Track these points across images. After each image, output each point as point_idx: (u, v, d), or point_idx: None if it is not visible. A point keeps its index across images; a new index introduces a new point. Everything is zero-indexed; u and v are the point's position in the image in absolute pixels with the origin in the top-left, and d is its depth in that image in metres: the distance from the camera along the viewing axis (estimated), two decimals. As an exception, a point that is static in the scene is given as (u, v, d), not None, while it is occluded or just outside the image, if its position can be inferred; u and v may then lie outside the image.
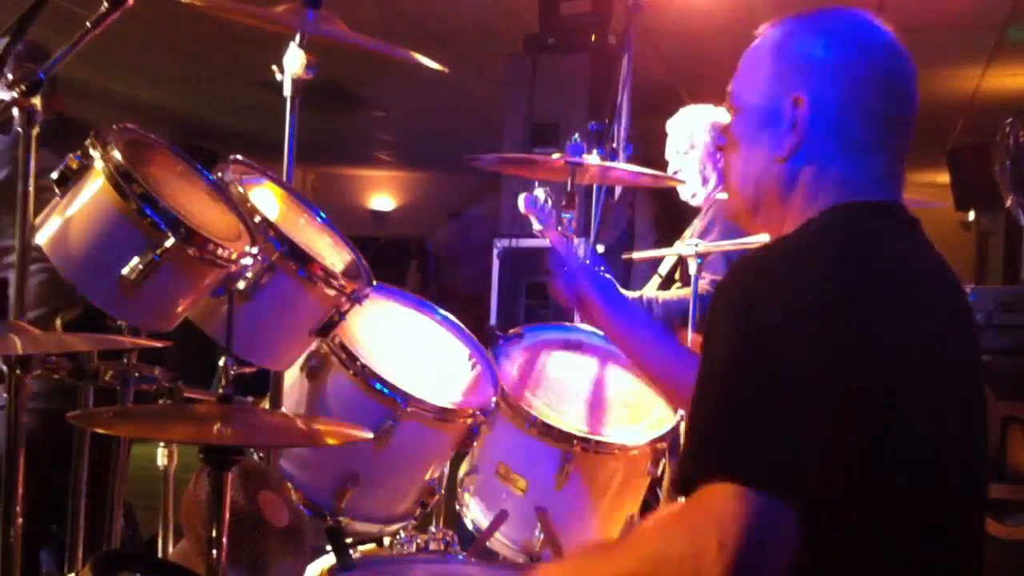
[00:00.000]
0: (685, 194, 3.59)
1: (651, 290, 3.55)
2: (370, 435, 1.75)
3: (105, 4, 1.72)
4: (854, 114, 1.39)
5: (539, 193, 2.99)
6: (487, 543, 2.28)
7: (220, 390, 1.59)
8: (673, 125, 3.62)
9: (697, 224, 3.50)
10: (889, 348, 1.25)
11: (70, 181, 1.72)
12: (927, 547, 1.30)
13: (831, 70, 1.39)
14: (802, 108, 1.40)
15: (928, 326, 1.33)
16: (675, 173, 3.55)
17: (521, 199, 3.02)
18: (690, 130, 3.57)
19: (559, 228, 2.94)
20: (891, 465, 1.25)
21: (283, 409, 2.14)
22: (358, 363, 2.09)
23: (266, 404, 2.18)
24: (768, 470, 1.15)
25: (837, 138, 1.40)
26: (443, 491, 2.37)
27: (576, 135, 2.90)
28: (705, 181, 3.55)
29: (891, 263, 1.34)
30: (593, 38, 5.33)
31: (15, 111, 1.67)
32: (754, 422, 1.18)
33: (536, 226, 3.04)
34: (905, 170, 1.46)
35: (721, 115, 2.74)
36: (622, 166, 3.20)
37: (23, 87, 1.65)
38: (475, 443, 2.30)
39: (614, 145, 3.89)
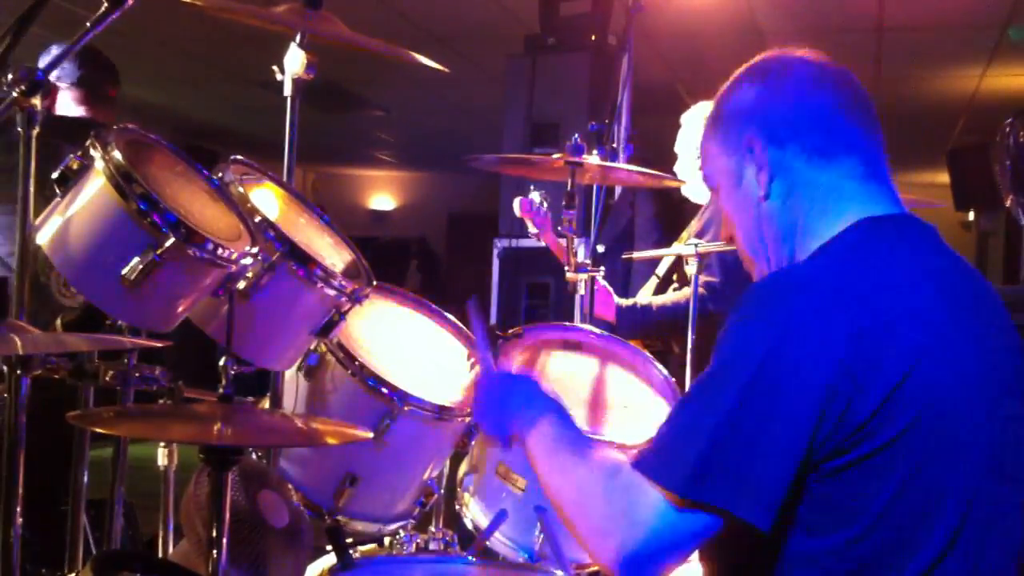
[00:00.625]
0: (689, 192, 3.57)
1: (645, 295, 3.54)
2: (369, 434, 1.75)
3: (105, 4, 1.72)
4: (803, 124, 1.44)
5: (534, 196, 3.00)
6: (487, 543, 2.28)
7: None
8: (687, 121, 3.58)
9: (694, 224, 3.50)
10: (896, 388, 1.25)
11: (70, 181, 1.72)
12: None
13: (761, 101, 1.46)
14: (756, 146, 1.45)
15: (943, 355, 1.31)
16: (683, 169, 3.54)
17: (517, 203, 3.02)
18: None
19: (558, 229, 2.94)
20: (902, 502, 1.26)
21: (282, 409, 2.15)
22: (356, 363, 2.09)
23: (266, 404, 2.18)
24: (745, 496, 1.21)
25: (801, 155, 1.44)
26: (443, 491, 2.37)
27: (576, 135, 2.90)
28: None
29: (900, 295, 1.32)
30: (593, 38, 5.33)
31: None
32: (712, 445, 1.23)
33: (532, 229, 3.05)
34: (892, 167, 1.48)
35: None
36: (622, 166, 3.21)
37: (23, 87, 1.65)
38: (474, 443, 2.30)
39: (614, 145, 3.89)
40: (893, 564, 1.27)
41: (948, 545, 1.28)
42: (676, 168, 3.54)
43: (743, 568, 1.36)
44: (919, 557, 1.27)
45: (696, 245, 2.98)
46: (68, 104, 3.20)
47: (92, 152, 1.70)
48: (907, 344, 1.26)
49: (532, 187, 3.02)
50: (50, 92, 2.99)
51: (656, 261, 3.65)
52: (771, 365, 1.23)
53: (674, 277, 3.50)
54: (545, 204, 2.98)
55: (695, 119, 3.52)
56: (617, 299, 3.34)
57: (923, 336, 1.28)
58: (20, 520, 1.69)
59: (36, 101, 1.66)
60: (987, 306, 1.43)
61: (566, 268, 2.94)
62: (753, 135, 1.46)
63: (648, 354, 2.71)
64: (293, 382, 2.17)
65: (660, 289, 3.53)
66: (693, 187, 3.53)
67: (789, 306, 1.27)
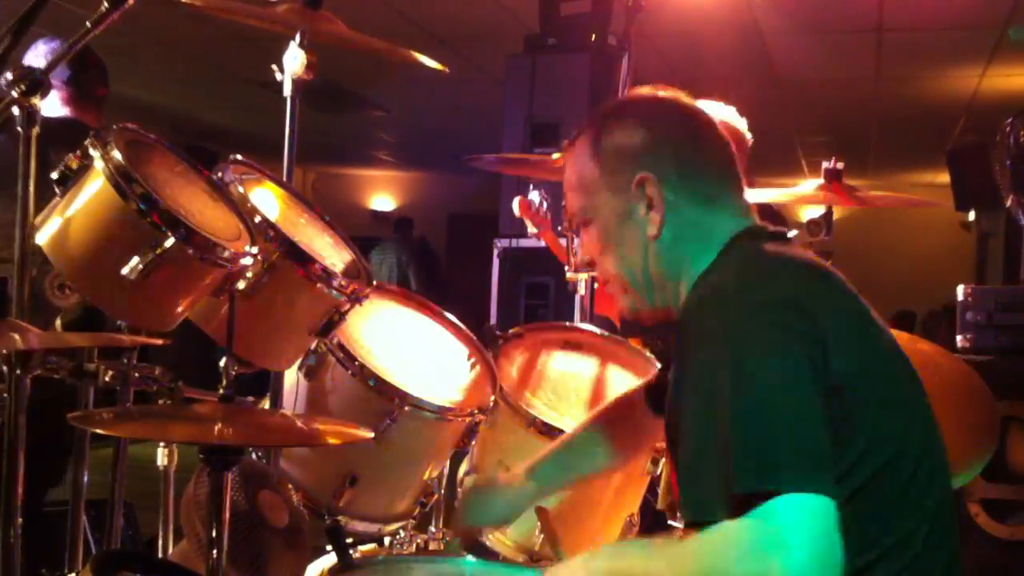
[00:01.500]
0: None
1: None
2: (370, 434, 1.75)
3: (105, 4, 1.72)
4: (692, 172, 1.50)
5: (534, 195, 2.99)
6: (487, 543, 2.28)
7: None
8: None
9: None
10: (850, 341, 1.34)
11: (70, 181, 1.72)
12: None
13: (654, 145, 1.50)
14: (650, 185, 1.48)
15: (870, 321, 1.43)
16: None
17: (516, 203, 3.02)
18: None
19: (558, 228, 2.94)
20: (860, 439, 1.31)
21: (282, 409, 2.14)
22: (356, 363, 2.09)
23: (266, 404, 2.18)
24: (810, 471, 1.20)
25: (690, 198, 1.49)
26: (443, 491, 2.37)
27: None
28: None
29: (808, 270, 1.42)
30: (593, 38, 5.32)
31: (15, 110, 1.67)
32: (783, 430, 1.22)
33: (532, 229, 3.05)
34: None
35: (731, 114, 2.72)
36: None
37: (23, 87, 1.64)
38: (475, 442, 2.30)
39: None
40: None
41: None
42: None
43: None
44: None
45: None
46: (54, 103, 3.11)
47: (92, 152, 1.70)
48: (841, 327, 1.34)
49: (532, 186, 3.02)
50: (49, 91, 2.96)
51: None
52: (758, 358, 1.27)
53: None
54: (545, 203, 2.98)
55: None
56: None
57: (847, 321, 1.37)
58: (20, 520, 1.69)
59: (36, 101, 1.66)
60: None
61: (566, 268, 2.94)
62: (645, 176, 1.48)
63: (648, 354, 2.71)
64: (293, 382, 2.17)
65: None
66: None
67: (755, 297, 1.33)
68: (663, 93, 1.57)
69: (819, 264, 1.45)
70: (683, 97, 1.57)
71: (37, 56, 3.00)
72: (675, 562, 1.26)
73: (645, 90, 1.58)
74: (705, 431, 1.29)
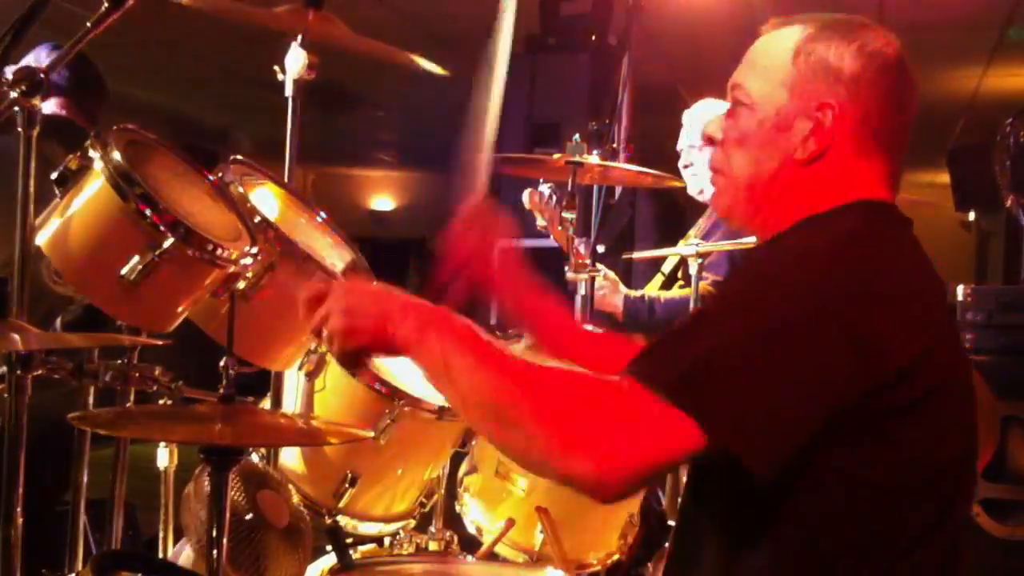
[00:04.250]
0: (692, 189, 3.54)
1: (653, 289, 3.54)
2: (370, 434, 1.75)
3: (105, 4, 1.72)
4: (872, 124, 1.41)
5: (544, 189, 2.99)
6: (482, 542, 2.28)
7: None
8: (689, 118, 3.55)
9: (702, 223, 3.48)
10: (913, 344, 1.28)
11: (70, 181, 1.72)
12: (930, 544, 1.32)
13: (857, 81, 1.39)
14: (827, 115, 1.39)
15: (940, 321, 1.39)
16: (686, 167, 3.51)
17: (526, 195, 3.01)
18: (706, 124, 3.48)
19: (560, 227, 2.94)
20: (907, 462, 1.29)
21: (283, 409, 2.14)
22: (358, 363, 2.09)
23: (266, 404, 2.18)
24: (700, 404, 1.18)
25: (855, 146, 1.40)
26: (443, 491, 2.37)
27: (576, 135, 2.90)
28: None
29: (911, 263, 1.38)
30: (593, 38, 5.33)
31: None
32: (726, 366, 1.20)
33: (541, 222, 3.04)
34: (904, 170, 1.48)
35: None
36: (622, 166, 3.20)
37: (23, 87, 1.64)
38: (475, 443, 2.30)
39: (614, 145, 3.88)
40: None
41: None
42: (679, 166, 3.53)
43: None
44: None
45: (697, 245, 2.98)
46: (50, 107, 3.02)
47: (91, 152, 1.70)
48: (927, 317, 1.32)
49: (542, 180, 3.02)
50: (50, 93, 2.92)
51: (659, 260, 3.64)
52: (805, 316, 1.23)
53: (679, 275, 3.49)
54: (554, 197, 2.98)
55: (696, 117, 3.51)
56: (625, 290, 3.33)
57: (938, 315, 1.36)
58: (21, 520, 1.69)
59: (36, 101, 1.66)
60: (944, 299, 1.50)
61: (566, 268, 2.93)
62: (833, 102, 1.39)
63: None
64: (294, 382, 2.17)
65: (665, 287, 3.53)
66: (696, 184, 3.51)
67: (814, 260, 1.29)
68: (894, 40, 1.46)
69: (925, 268, 1.41)
70: (904, 53, 1.46)
71: (39, 62, 2.99)
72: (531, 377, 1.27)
73: (880, 28, 1.47)
74: (687, 323, 1.31)
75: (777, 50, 1.46)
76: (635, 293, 3.36)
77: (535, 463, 1.28)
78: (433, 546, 2.29)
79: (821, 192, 1.42)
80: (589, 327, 2.73)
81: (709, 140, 1.58)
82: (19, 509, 1.68)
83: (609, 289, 3.30)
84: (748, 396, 1.20)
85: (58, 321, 2.60)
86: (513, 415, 1.24)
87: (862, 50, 1.41)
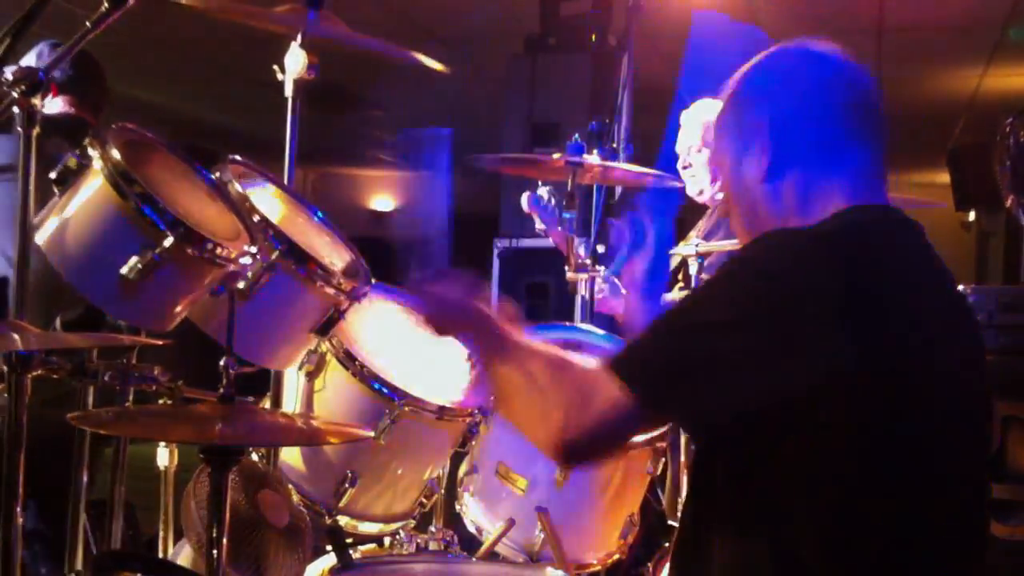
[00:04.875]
0: (692, 190, 3.54)
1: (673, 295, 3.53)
2: (370, 434, 1.75)
3: (105, 4, 1.72)
4: (810, 124, 1.48)
5: (543, 192, 2.99)
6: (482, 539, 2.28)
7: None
8: (688, 119, 3.55)
9: (703, 224, 3.48)
10: (887, 346, 1.31)
11: (69, 181, 1.71)
12: (914, 547, 1.33)
13: (778, 86, 1.51)
14: (763, 131, 1.49)
15: (930, 327, 1.39)
16: (685, 168, 3.51)
17: (525, 198, 3.02)
18: (705, 126, 3.47)
19: (560, 227, 2.94)
20: (879, 456, 1.31)
21: (283, 409, 2.14)
22: (357, 363, 2.09)
23: (266, 404, 2.18)
24: (647, 391, 1.34)
25: (803, 150, 1.48)
26: (443, 491, 2.37)
27: (576, 135, 2.90)
28: (715, 179, 3.47)
29: (895, 264, 1.41)
30: (593, 38, 5.33)
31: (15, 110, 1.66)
32: (676, 353, 1.36)
33: (539, 225, 3.04)
34: (890, 169, 1.51)
35: None
36: (622, 166, 3.20)
37: (23, 87, 1.64)
38: (475, 443, 2.30)
39: (614, 145, 3.88)
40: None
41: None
42: (678, 167, 3.53)
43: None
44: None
45: (696, 245, 2.98)
46: (55, 105, 3.01)
47: (90, 152, 1.70)
48: (912, 309, 1.35)
49: (540, 183, 3.02)
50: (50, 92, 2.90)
51: (659, 261, 3.64)
52: (772, 304, 1.31)
53: (679, 276, 3.49)
54: (553, 200, 2.98)
55: (695, 118, 3.51)
56: (624, 293, 3.33)
57: (926, 304, 1.38)
58: (20, 520, 1.69)
59: (36, 101, 1.66)
60: (959, 305, 1.52)
61: (566, 268, 2.93)
62: (761, 120, 1.49)
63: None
64: (294, 382, 2.17)
65: (666, 288, 3.52)
66: (695, 185, 3.51)
67: (792, 253, 1.35)
68: (809, 43, 1.54)
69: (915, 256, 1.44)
70: (832, 49, 1.52)
71: (41, 59, 2.98)
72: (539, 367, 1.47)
73: (794, 40, 1.56)
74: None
75: (721, 112, 1.60)
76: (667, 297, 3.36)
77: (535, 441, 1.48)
78: (433, 546, 2.29)
79: (796, 204, 1.48)
80: (590, 327, 2.74)
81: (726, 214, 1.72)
82: (19, 509, 1.68)
83: (608, 291, 3.30)
84: (664, 363, 1.36)
85: (58, 321, 2.60)
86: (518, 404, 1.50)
87: (772, 65, 1.53)
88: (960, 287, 3.53)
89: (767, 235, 1.42)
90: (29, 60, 2.88)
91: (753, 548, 1.33)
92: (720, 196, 3.48)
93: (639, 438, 1.45)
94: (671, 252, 3.37)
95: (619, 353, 1.41)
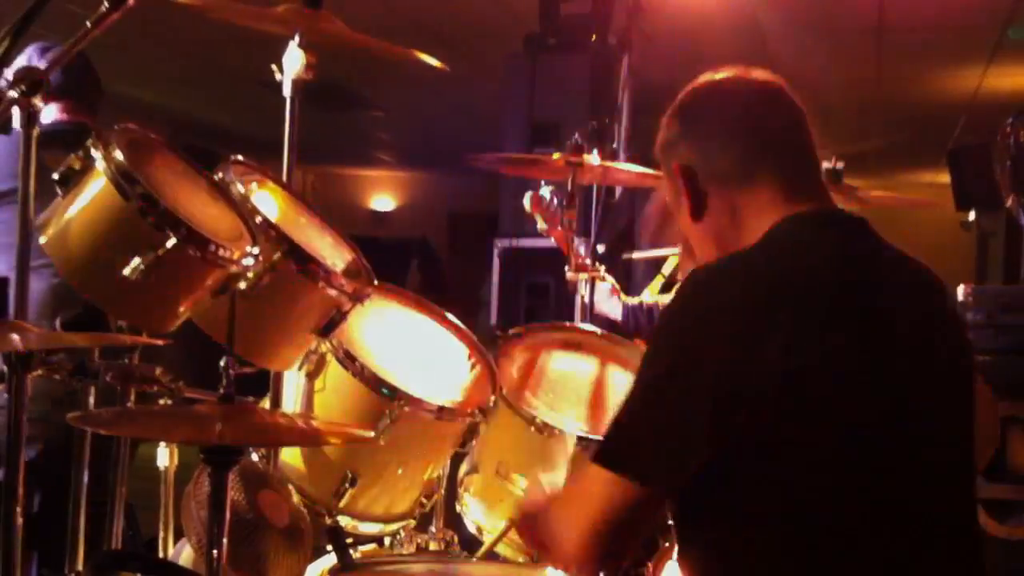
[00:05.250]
0: None
1: (651, 294, 3.53)
2: (370, 434, 1.75)
3: (105, 4, 1.72)
4: (716, 153, 1.53)
5: (544, 192, 3.00)
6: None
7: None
8: None
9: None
10: (780, 359, 1.32)
11: (71, 181, 1.72)
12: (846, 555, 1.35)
13: (682, 133, 1.57)
14: (679, 175, 1.55)
15: (839, 331, 1.38)
16: None
17: (527, 197, 3.02)
18: None
19: (560, 228, 2.94)
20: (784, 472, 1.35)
21: (283, 409, 2.14)
22: (357, 363, 2.09)
23: (266, 404, 2.18)
24: (631, 459, 1.37)
25: (712, 181, 1.53)
26: (443, 491, 2.37)
27: (576, 135, 2.90)
28: None
29: (798, 273, 1.41)
30: (593, 38, 5.33)
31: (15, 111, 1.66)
32: (637, 422, 1.40)
33: (541, 224, 3.05)
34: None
35: None
36: (622, 166, 3.20)
37: (23, 87, 1.64)
38: (475, 443, 2.30)
39: (614, 145, 3.88)
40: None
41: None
42: None
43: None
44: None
45: (696, 245, 2.98)
46: (51, 112, 2.95)
47: (93, 152, 1.70)
48: (788, 330, 1.34)
49: (543, 182, 3.02)
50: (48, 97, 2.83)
51: (660, 261, 3.64)
52: (679, 350, 1.38)
53: (678, 277, 3.49)
54: (555, 200, 2.98)
55: None
56: (623, 297, 3.33)
57: (803, 322, 1.35)
58: (21, 520, 1.69)
59: (37, 101, 1.66)
60: (908, 295, 1.48)
61: (566, 268, 2.93)
62: (676, 165, 1.55)
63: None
64: (294, 382, 2.17)
65: (666, 289, 3.53)
66: None
67: (696, 296, 1.41)
68: (713, 77, 1.61)
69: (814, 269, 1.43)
70: (738, 75, 1.59)
71: (31, 62, 2.94)
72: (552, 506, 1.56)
73: (702, 77, 1.62)
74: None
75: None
76: (633, 301, 3.36)
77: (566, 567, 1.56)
78: (433, 546, 2.29)
79: (730, 234, 1.51)
80: (590, 327, 2.74)
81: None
82: (19, 509, 1.68)
83: (607, 294, 3.30)
84: (635, 436, 1.40)
85: (58, 320, 2.60)
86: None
87: (679, 111, 1.60)
88: (961, 288, 3.54)
89: (684, 279, 1.46)
90: (19, 63, 2.85)
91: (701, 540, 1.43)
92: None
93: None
94: (667, 254, 3.38)
95: (598, 445, 1.45)
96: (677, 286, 1.48)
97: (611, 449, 1.41)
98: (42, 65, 2.81)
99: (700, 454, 1.34)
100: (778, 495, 1.34)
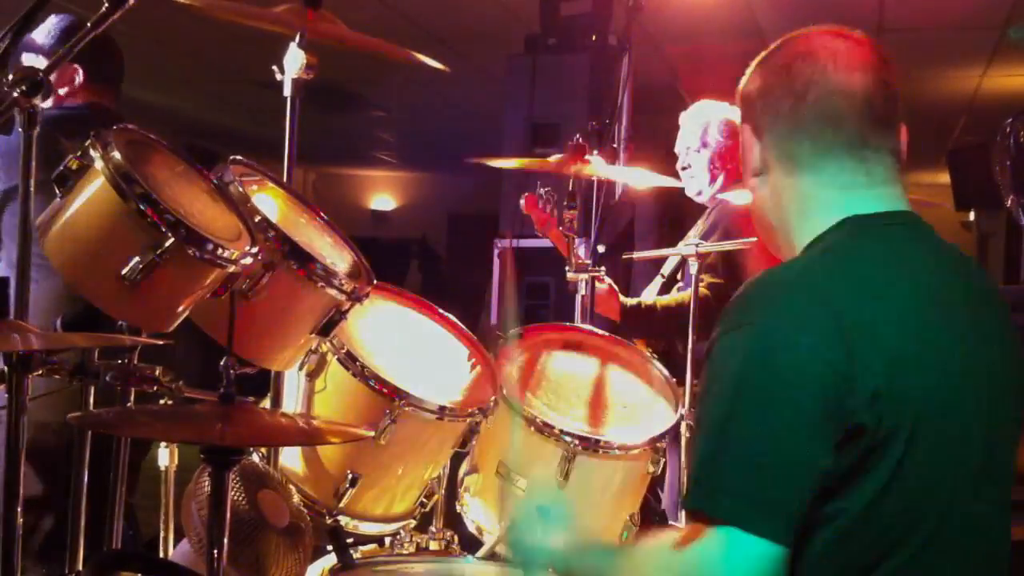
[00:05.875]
0: (691, 190, 3.54)
1: (651, 294, 3.53)
2: (370, 434, 1.75)
3: (105, 4, 1.72)
4: (795, 128, 1.42)
5: (541, 192, 3.00)
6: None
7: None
8: (687, 119, 3.55)
9: (700, 224, 3.48)
10: (893, 375, 1.25)
11: (70, 181, 1.71)
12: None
13: (764, 92, 1.46)
14: (747, 134, 1.47)
15: (939, 342, 1.32)
16: (684, 169, 3.51)
17: (523, 199, 3.02)
18: (704, 126, 3.48)
19: (560, 228, 2.94)
20: (898, 488, 1.26)
21: (283, 409, 2.14)
22: (357, 363, 2.09)
23: (266, 404, 2.18)
24: (753, 510, 1.20)
25: (780, 156, 1.44)
26: (443, 491, 2.37)
27: (576, 135, 2.90)
28: (713, 180, 3.48)
29: (894, 284, 1.33)
30: (593, 38, 5.33)
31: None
32: (746, 463, 1.22)
33: (539, 225, 3.05)
34: (897, 166, 1.45)
35: (736, 113, 2.71)
36: (622, 166, 3.20)
37: (23, 87, 1.64)
38: (475, 443, 2.30)
39: (614, 145, 3.88)
40: (872, 564, 1.28)
41: (927, 545, 1.29)
42: (677, 167, 3.53)
43: None
44: (897, 556, 1.28)
45: (696, 245, 2.98)
46: (68, 86, 2.85)
47: (92, 152, 1.70)
48: (887, 346, 1.26)
49: (539, 183, 3.03)
50: (51, 93, 2.78)
51: (660, 261, 3.64)
52: (763, 376, 1.23)
53: (678, 277, 3.49)
54: (551, 200, 2.98)
55: (694, 119, 3.51)
56: (622, 298, 3.33)
57: (899, 339, 1.28)
58: (21, 520, 1.69)
59: (37, 101, 1.66)
60: (981, 305, 1.42)
61: (566, 268, 2.93)
62: (753, 124, 1.47)
63: (648, 353, 2.71)
64: (294, 382, 2.17)
65: (665, 289, 3.53)
66: (694, 186, 3.52)
67: (774, 312, 1.28)
68: (816, 37, 1.51)
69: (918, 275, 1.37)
70: (839, 42, 1.49)
71: (47, 34, 2.81)
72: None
73: (802, 32, 1.53)
74: (698, 429, 1.31)
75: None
76: (631, 301, 3.36)
77: None
78: (433, 546, 2.29)
79: (789, 216, 1.44)
80: (590, 327, 2.75)
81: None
82: (19, 509, 1.68)
83: (606, 296, 3.30)
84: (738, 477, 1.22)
85: (58, 320, 2.60)
86: None
87: (769, 65, 1.48)
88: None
89: (746, 302, 1.33)
90: (39, 34, 2.80)
91: None
92: (724, 196, 3.49)
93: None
94: (670, 253, 3.38)
95: (687, 503, 1.26)
96: (745, 283, 1.36)
97: (710, 500, 1.22)
98: (55, 36, 2.78)
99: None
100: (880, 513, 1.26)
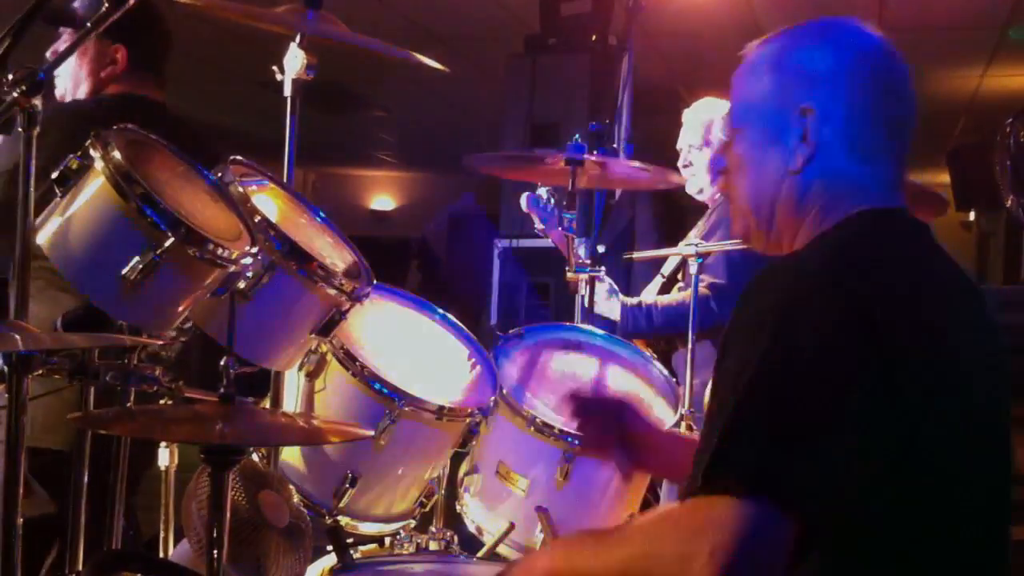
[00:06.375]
0: (692, 189, 3.54)
1: (651, 294, 3.53)
2: (370, 434, 1.75)
3: (105, 4, 1.72)
4: (861, 120, 1.40)
5: (541, 192, 3.00)
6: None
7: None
8: (689, 117, 3.54)
9: (702, 224, 3.48)
10: (921, 361, 1.26)
11: (70, 181, 1.72)
12: (947, 557, 1.30)
13: (834, 77, 1.39)
14: (811, 118, 1.39)
15: (956, 334, 1.35)
16: (685, 167, 3.51)
17: (524, 198, 3.02)
18: (706, 124, 3.47)
19: (560, 228, 2.94)
20: (919, 476, 1.26)
21: (283, 409, 2.14)
22: (357, 363, 2.09)
23: (266, 404, 2.18)
24: (770, 482, 1.16)
25: (847, 146, 1.40)
26: (443, 491, 2.37)
27: (576, 135, 2.90)
28: (715, 179, 3.48)
29: (919, 273, 1.36)
30: (593, 38, 5.33)
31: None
32: (766, 437, 1.18)
33: (538, 225, 3.05)
34: (906, 173, 1.48)
35: None
36: (622, 166, 3.20)
37: (24, 87, 1.64)
38: (475, 443, 2.30)
39: (614, 145, 3.88)
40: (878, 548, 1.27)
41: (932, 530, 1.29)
42: (678, 166, 3.53)
43: None
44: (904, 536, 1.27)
45: (696, 245, 2.98)
46: (106, 69, 2.71)
47: (92, 152, 1.70)
48: (926, 318, 1.28)
49: (539, 184, 3.03)
50: (52, 92, 2.70)
51: (660, 261, 3.64)
52: (799, 352, 1.20)
53: (679, 277, 3.49)
54: (552, 200, 2.98)
55: (697, 116, 3.51)
56: (622, 298, 3.33)
57: (937, 314, 1.31)
58: (21, 520, 1.69)
59: (37, 101, 1.66)
60: (973, 302, 1.45)
61: (566, 268, 2.93)
62: (814, 105, 1.39)
63: (648, 353, 2.71)
64: (294, 382, 2.18)
65: (665, 289, 3.53)
66: (695, 184, 3.51)
67: (804, 289, 1.26)
68: (869, 28, 1.45)
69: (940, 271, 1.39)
70: (885, 39, 1.44)
71: (80, 3, 2.56)
72: (619, 540, 1.28)
73: (854, 21, 1.46)
74: (719, 406, 1.25)
75: (757, 69, 1.47)
76: (631, 301, 3.36)
77: None
78: (433, 546, 2.29)
79: (823, 202, 1.41)
80: (590, 327, 2.75)
81: (720, 172, 1.67)
82: (19, 509, 1.68)
83: (606, 294, 3.30)
84: (758, 439, 1.18)
85: (58, 320, 2.60)
86: None
87: (837, 47, 1.41)
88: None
89: (790, 280, 1.29)
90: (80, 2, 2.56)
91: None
92: (719, 196, 3.48)
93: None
94: (670, 253, 3.38)
95: (701, 470, 1.20)
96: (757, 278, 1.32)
97: (728, 468, 1.18)
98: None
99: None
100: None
